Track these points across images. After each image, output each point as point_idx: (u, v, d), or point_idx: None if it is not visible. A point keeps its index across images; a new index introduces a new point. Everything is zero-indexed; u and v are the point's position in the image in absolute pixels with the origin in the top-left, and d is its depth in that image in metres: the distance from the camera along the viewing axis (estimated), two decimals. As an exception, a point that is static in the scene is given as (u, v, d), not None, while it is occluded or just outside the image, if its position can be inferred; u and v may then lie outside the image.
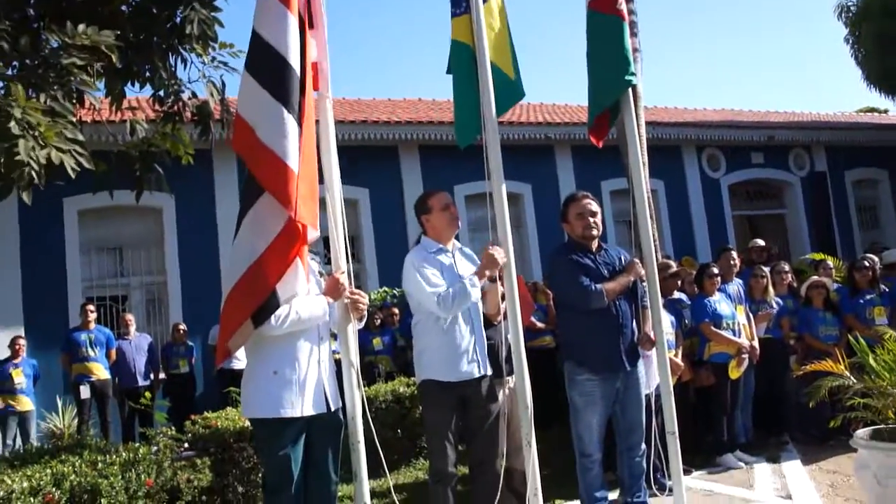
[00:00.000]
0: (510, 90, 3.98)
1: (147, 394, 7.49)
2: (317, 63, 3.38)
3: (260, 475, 4.79)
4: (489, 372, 3.90)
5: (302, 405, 3.12)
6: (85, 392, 8.25)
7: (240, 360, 6.36)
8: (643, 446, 4.14)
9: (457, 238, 4.07)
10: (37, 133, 3.72)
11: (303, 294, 3.18)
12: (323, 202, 3.22)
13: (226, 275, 3.19)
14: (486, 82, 3.75)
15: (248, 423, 4.80)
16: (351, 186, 10.01)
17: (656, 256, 4.60)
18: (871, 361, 3.87)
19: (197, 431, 5.27)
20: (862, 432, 3.79)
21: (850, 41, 15.69)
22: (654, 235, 4.82)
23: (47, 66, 4.12)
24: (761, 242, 8.72)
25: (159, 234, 10.13)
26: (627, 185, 4.30)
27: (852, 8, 15.46)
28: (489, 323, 4.10)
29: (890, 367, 3.78)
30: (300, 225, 3.06)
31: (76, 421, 8.35)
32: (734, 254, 6.66)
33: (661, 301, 4.15)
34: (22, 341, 8.31)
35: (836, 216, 14.83)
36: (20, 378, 8.12)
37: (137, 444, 4.91)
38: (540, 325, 7.60)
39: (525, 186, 12.20)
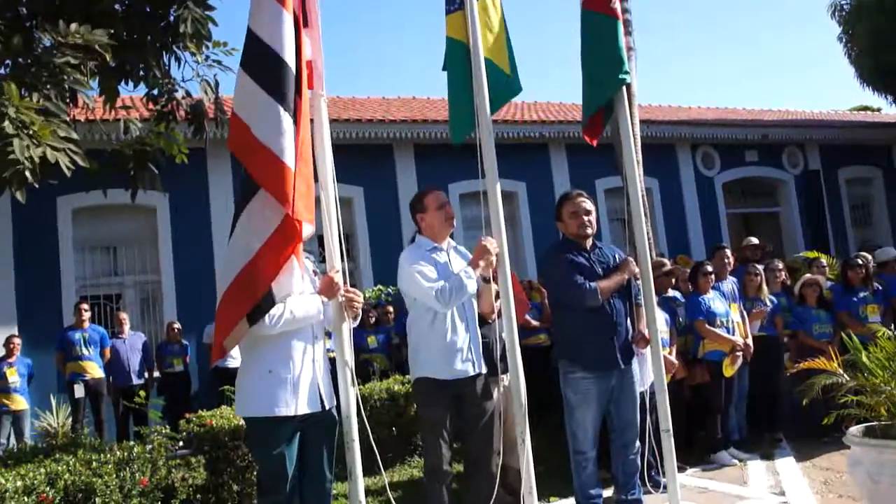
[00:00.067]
0: (507, 86, 3.95)
1: (141, 392, 7.46)
2: (311, 61, 3.37)
3: (254, 474, 4.79)
4: (484, 370, 3.89)
5: (296, 404, 3.12)
6: (79, 391, 8.23)
7: (234, 359, 6.35)
8: (637, 444, 4.15)
9: (451, 237, 4.07)
10: (31, 132, 3.71)
11: (297, 293, 3.18)
12: (317, 201, 3.22)
13: (221, 273, 3.19)
14: (480, 79, 3.74)
15: (242, 422, 4.79)
16: (345, 185, 9.95)
17: (650, 254, 4.61)
18: (864, 359, 3.90)
19: (191, 430, 5.27)
20: (855, 429, 3.82)
21: (844, 39, 15.71)
22: (648, 233, 4.83)
23: (40, 65, 4.11)
24: (755, 240, 8.73)
25: (153, 233, 10.10)
26: (622, 184, 4.30)
27: (846, 6, 15.48)
28: (484, 321, 4.10)
29: (883, 365, 3.81)
30: (296, 222, 3.05)
31: (70, 420, 8.33)
32: (728, 252, 6.70)
33: (655, 299, 4.16)
34: (16, 340, 8.31)
35: (830, 214, 14.87)
36: (14, 377, 8.12)
37: (132, 443, 4.90)
38: (534, 323, 7.60)
39: (519, 185, 12.19)
